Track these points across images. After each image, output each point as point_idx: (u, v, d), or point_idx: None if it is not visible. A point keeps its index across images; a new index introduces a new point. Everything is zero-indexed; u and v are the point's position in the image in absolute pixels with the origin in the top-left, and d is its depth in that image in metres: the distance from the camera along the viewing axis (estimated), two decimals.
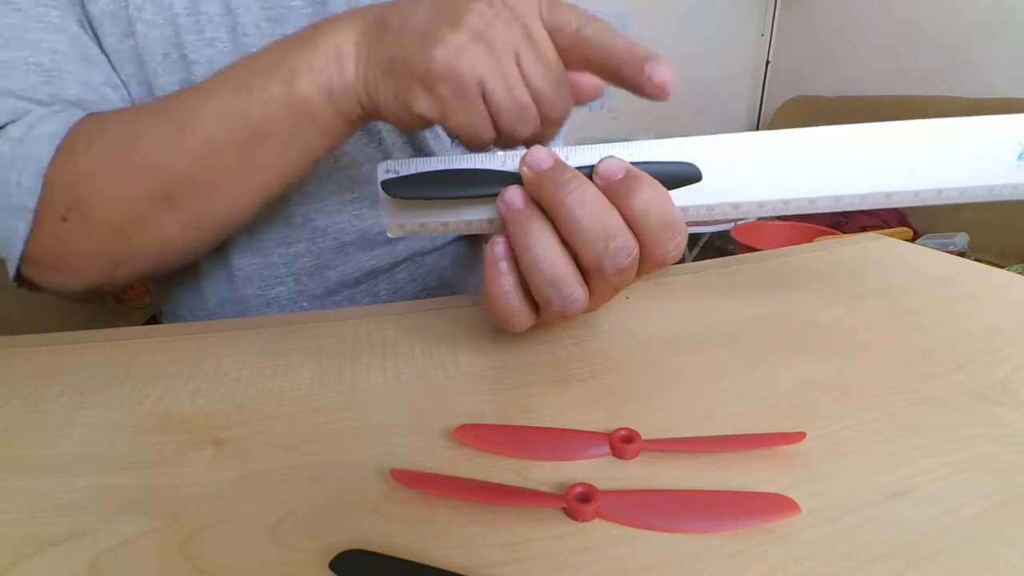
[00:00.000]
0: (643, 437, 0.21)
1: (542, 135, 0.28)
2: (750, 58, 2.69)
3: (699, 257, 2.34)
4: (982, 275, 0.38)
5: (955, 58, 1.95)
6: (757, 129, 2.71)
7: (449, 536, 0.18)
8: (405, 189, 0.25)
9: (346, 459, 0.21)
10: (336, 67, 0.29)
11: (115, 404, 0.25)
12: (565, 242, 0.24)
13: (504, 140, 0.28)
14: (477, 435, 0.22)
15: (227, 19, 0.39)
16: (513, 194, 0.24)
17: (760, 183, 0.26)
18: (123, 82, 0.38)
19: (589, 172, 0.24)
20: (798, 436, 0.21)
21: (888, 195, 0.26)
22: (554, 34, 0.27)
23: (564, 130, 0.57)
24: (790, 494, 0.19)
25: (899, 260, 0.41)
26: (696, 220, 0.26)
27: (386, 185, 0.25)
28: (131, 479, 0.20)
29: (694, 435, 0.22)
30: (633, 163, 0.24)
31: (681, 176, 0.25)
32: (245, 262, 0.44)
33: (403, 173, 0.25)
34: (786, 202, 0.26)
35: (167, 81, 0.39)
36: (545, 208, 0.24)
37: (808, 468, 0.21)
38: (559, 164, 0.24)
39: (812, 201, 0.26)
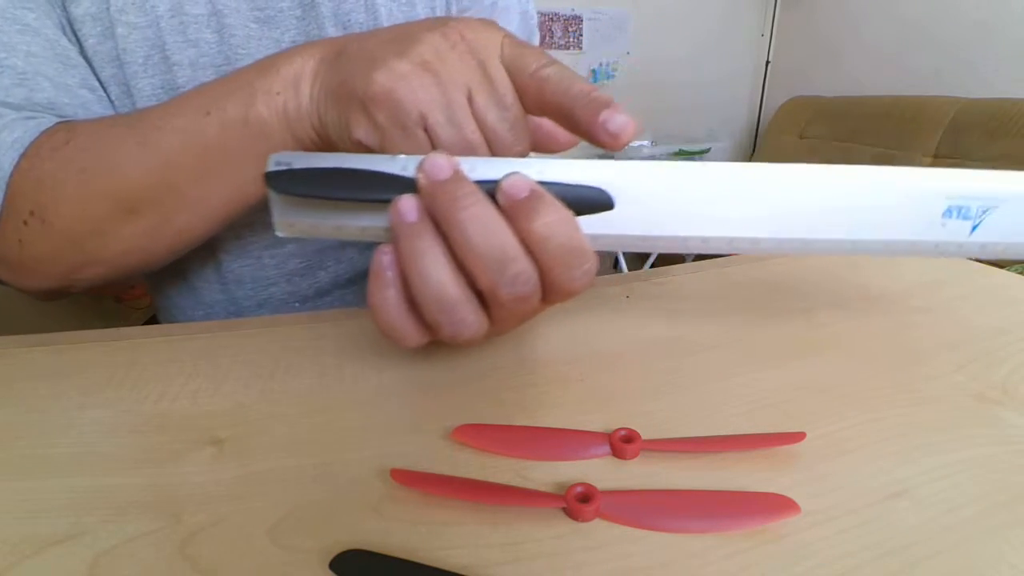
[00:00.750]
0: (643, 437, 0.21)
1: None
2: (750, 58, 2.69)
3: (699, 257, 2.34)
4: (983, 275, 0.38)
5: (955, 58, 1.95)
6: (757, 129, 2.71)
7: (449, 536, 0.18)
8: (292, 185, 0.23)
9: (346, 459, 0.21)
10: (293, 91, 0.29)
11: (115, 404, 0.25)
12: (461, 263, 0.22)
13: None
14: (477, 435, 0.22)
15: (213, 20, 0.39)
16: (406, 204, 0.22)
17: (677, 218, 0.24)
18: (102, 84, 0.38)
19: (494, 187, 0.22)
20: (798, 436, 0.21)
21: (806, 242, 0.24)
22: (512, 73, 0.26)
23: None
24: (790, 494, 0.19)
25: (899, 260, 0.41)
26: (607, 250, 0.25)
27: (271, 178, 0.23)
28: (131, 479, 0.20)
29: (694, 435, 0.22)
30: (542, 182, 0.22)
31: (591, 202, 0.23)
32: (236, 264, 0.44)
33: (295, 166, 0.23)
34: (704, 240, 0.24)
35: (147, 83, 0.38)
36: (438, 223, 0.22)
37: (808, 468, 0.21)
38: (458, 176, 0.22)
39: (730, 242, 0.24)
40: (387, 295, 0.23)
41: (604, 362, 0.28)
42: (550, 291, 0.23)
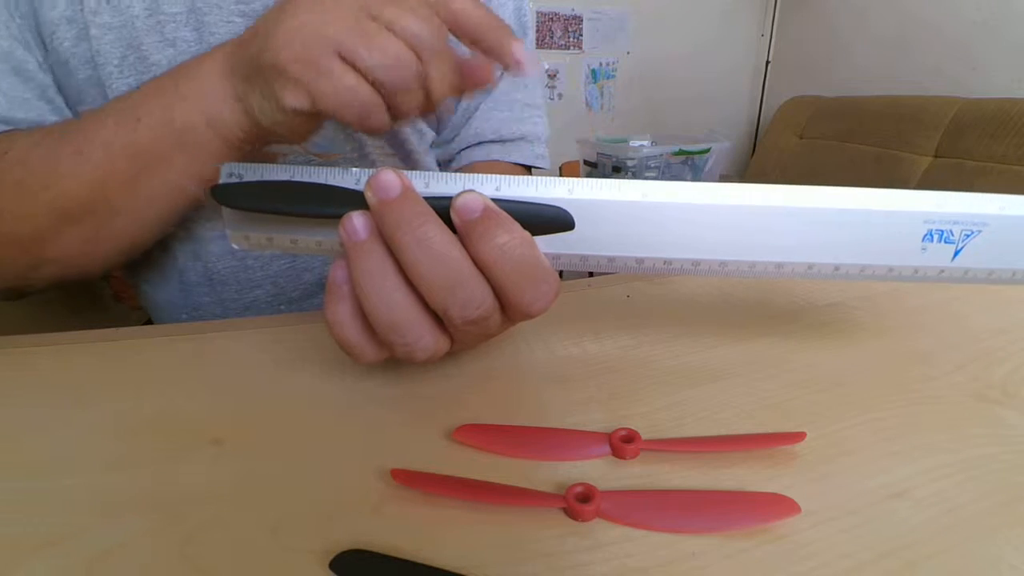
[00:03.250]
0: (643, 437, 0.21)
1: (438, 104, 0.26)
2: (750, 58, 2.69)
3: None
4: None
5: (955, 58, 1.95)
6: (757, 129, 2.71)
7: (449, 536, 0.18)
8: (240, 198, 0.22)
9: (346, 459, 0.21)
10: (211, 90, 0.29)
11: (115, 404, 0.25)
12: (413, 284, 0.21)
13: (396, 113, 0.26)
14: (477, 435, 0.22)
15: (192, 18, 0.39)
16: (357, 222, 0.21)
17: (640, 238, 0.23)
18: (79, 87, 0.38)
19: (448, 204, 0.21)
20: (798, 436, 0.21)
21: (779, 266, 0.23)
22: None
23: (552, 133, 0.57)
24: (790, 494, 0.19)
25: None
26: (570, 268, 0.24)
27: (218, 191, 0.22)
28: (131, 479, 0.20)
29: (694, 435, 0.22)
30: (500, 199, 0.22)
31: (551, 221, 0.22)
32: (221, 266, 0.44)
33: (246, 179, 0.23)
34: (667, 261, 0.23)
35: (124, 84, 0.38)
36: (387, 243, 0.21)
37: (808, 468, 0.21)
38: (408, 194, 0.21)
39: (695, 263, 0.23)
40: (342, 311, 0.22)
41: (604, 362, 0.28)
42: (508, 311, 0.23)
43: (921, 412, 0.24)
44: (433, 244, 0.20)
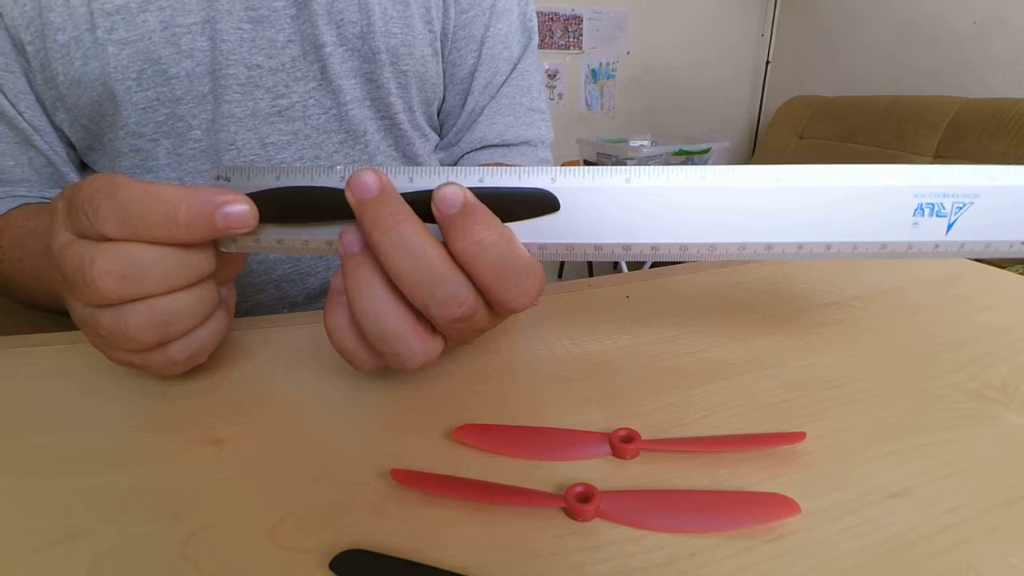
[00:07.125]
0: (643, 437, 0.21)
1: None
2: (750, 58, 2.69)
3: None
4: (983, 275, 0.38)
5: (955, 58, 1.95)
6: (757, 129, 2.71)
7: (449, 536, 0.18)
8: None
9: (346, 459, 0.21)
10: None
11: (115, 404, 0.25)
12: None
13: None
14: (477, 435, 0.22)
15: (207, 27, 0.39)
16: (353, 236, 0.21)
17: (626, 224, 0.23)
18: (92, 104, 0.39)
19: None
20: (798, 436, 0.21)
21: (768, 247, 0.23)
22: None
23: (555, 136, 0.57)
24: (790, 494, 0.19)
25: (899, 260, 0.41)
26: (559, 259, 0.24)
27: None
28: (131, 479, 0.20)
29: (694, 435, 0.22)
30: (483, 188, 0.22)
31: (537, 202, 0.22)
32: None
33: (234, 181, 0.23)
34: (654, 247, 0.23)
35: (141, 97, 0.39)
36: (368, 244, 0.21)
37: (808, 468, 0.21)
38: (385, 193, 0.21)
39: (684, 248, 0.23)
40: (340, 317, 0.23)
41: (604, 362, 0.28)
42: (493, 307, 0.23)
43: (921, 412, 0.24)
44: (408, 241, 0.20)
